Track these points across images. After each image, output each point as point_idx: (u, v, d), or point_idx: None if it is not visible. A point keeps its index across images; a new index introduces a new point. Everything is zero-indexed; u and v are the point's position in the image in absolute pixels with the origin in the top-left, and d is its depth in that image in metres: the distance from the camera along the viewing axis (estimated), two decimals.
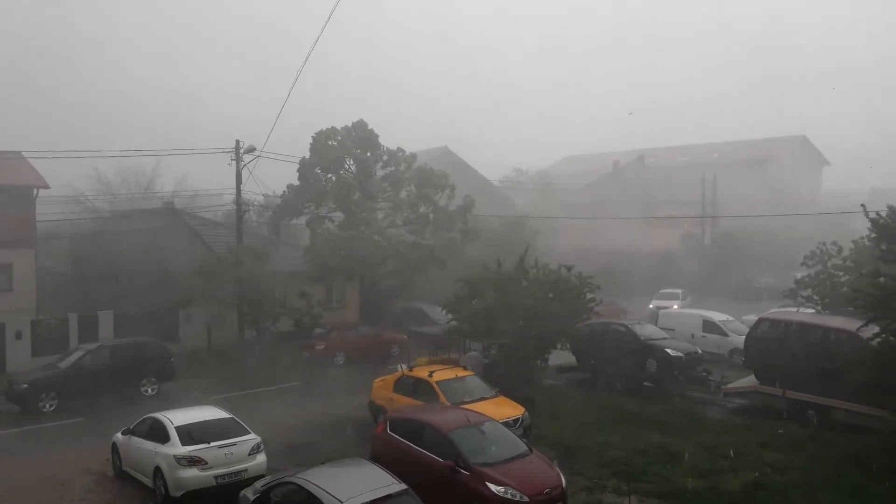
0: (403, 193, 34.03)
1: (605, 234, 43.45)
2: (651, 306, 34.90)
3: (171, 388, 22.94)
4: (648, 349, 23.01)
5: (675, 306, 33.50)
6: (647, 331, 24.39)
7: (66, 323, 27.44)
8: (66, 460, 16.45)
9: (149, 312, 29.02)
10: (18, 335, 26.36)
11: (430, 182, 33.67)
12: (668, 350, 22.85)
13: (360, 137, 34.17)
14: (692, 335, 27.07)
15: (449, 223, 33.30)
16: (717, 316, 28.28)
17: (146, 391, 22.79)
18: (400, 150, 34.70)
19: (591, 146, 73.89)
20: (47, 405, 21.13)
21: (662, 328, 26.29)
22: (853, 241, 23.62)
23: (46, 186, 33.10)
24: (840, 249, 24.08)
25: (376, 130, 34.66)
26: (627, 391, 22.03)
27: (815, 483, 14.24)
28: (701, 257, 47.28)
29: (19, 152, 34.10)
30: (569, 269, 22.37)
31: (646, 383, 22.73)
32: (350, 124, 34.17)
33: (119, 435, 15.71)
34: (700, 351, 24.13)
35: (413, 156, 34.75)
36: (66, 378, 21.69)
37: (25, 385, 21.20)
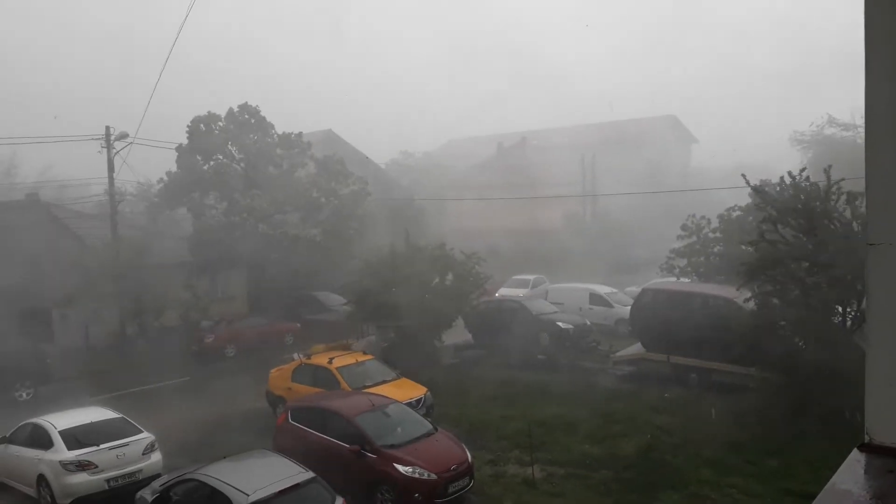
0: (300, 180, 32.98)
1: (492, 215, 44.23)
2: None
3: (50, 390, 21.44)
4: (540, 323, 23.77)
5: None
6: (538, 306, 25.19)
7: None
8: None
9: (17, 312, 26.89)
10: None
11: (331, 172, 32.97)
12: (559, 323, 23.71)
13: (248, 122, 32.88)
14: (580, 308, 28.16)
15: (342, 209, 32.79)
16: (602, 289, 29.56)
17: (20, 396, 21.27)
18: (294, 134, 33.61)
19: (473, 129, 74.66)
20: None
21: (552, 302, 27.19)
22: (721, 214, 25.12)
23: None
24: (709, 222, 25.51)
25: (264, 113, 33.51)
26: (523, 365, 22.65)
27: (701, 441, 15.22)
28: (583, 234, 49.15)
29: None
30: (441, 245, 22.77)
31: (540, 356, 23.46)
32: (236, 108, 32.84)
33: None
34: (589, 323, 25.17)
35: (308, 144, 33.81)
36: None
37: None
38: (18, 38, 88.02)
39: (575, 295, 29.33)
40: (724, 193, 25.09)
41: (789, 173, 16.62)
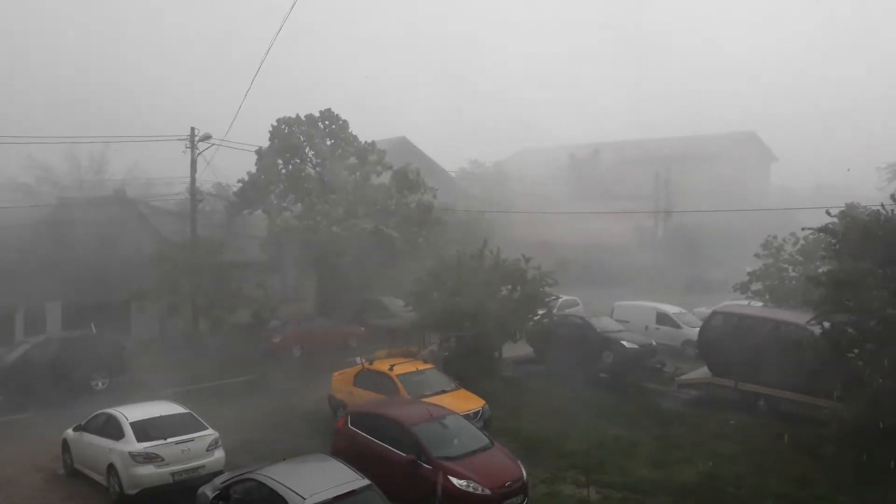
0: (374, 187, 33.46)
1: (561, 226, 43.84)
2: None
3: (124, 381, 22.37)
4: (605, 341, 23.43)
5: None
6: (603, 323, 24.81)
7: (12, 315, 26.48)
8: (12, 458, 15.88)
9: (99, 304, 28.22)
10: None
11: (406, 183, 33.39)
12: (624, 342, 23.28)
13: (329, 127, 33.55)
14: (646, 327, 27.59)
15: (412, 217, 33.11)
16: (670, 308, 28.88)
17: (97, 385, 22.17)
18: (369, 143, 34.19)
19: (546, 139, 74.12)
20: None
21: (618, 320, 26.73)
22: (802, 237, 24.19)
23: None
24: (797, 241, 24.46)
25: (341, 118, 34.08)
26: (584, 383, 22.31)
27: (766, 472, 14.70)
28: (654, 250, 48.13)
29: None
30: (527, 259, 22.58)
31: (602, 375, 23.10)
32: (318, 113, 33.55)
33: (70, 431, 15.28)
34: (654, 343, 24.62)
35: (383, 152, 34.31)
36: (11, 372, 20.98)
37: None
38: (110, 40, 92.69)
39: (641, 313, 28.74)
40: (804, 214, 24.15)
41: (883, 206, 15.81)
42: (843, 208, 17.78)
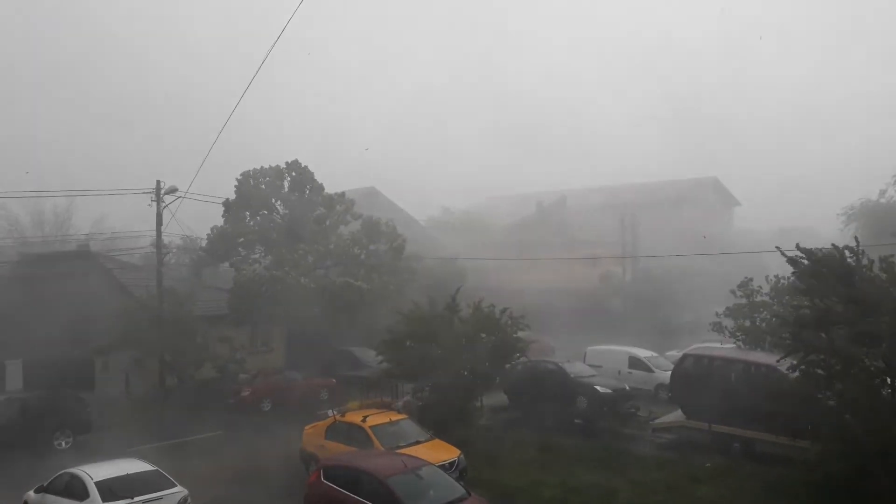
0: (342, 237, 33.47)
1: (530, 273, 44.11)
2: None
3: (88, 440, 21.69)
4: (578, 386, 23.39)
5: None
6: (576, 368, 24.84)
7: None
8: None
9: (61, 360, 27.49)
10: None
11: (376, 233, 33.50)
12: (597, 387, 23.27)
13: (295, 177, 33.69)
14: (619, 371, 27.67)
15: (381, 266, 33.12)
16: (642, 352, 29.04)
17: (60, 444, 21.45)
18: (338, 194, 34.34)
19: (513, 187, 75.05)
20: None
21: (590, 365, 26.78)
22: (771, 279, 24.50)
23: None
24: (777, 281, 24.58)
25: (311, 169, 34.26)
26: (559, 429, 22.16)
27: None
28: (623, 295, 48.60)
29: None
30: (503, 310, 22.59)
31: (577, 420, 23.00)
32: (284, 164, 33.69)
33: (31, 493, 14.77)
34: (628, 387, 24.66)
35: (352, 201, 34.49)
36: None
37: None
38: (72, 90, 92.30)
39: (614, 358, 28.84)
40: (767, 257, 24.57)
41: (833, 245, 16.23)
42: (804, 248, 18.08)
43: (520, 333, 22.80)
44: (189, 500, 14.03)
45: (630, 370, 28.09)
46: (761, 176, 74.52)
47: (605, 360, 28.41)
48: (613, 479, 17.08)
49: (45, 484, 14.59)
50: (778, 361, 16.92)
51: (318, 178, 34.36)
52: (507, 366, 23.34)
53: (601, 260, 46.30)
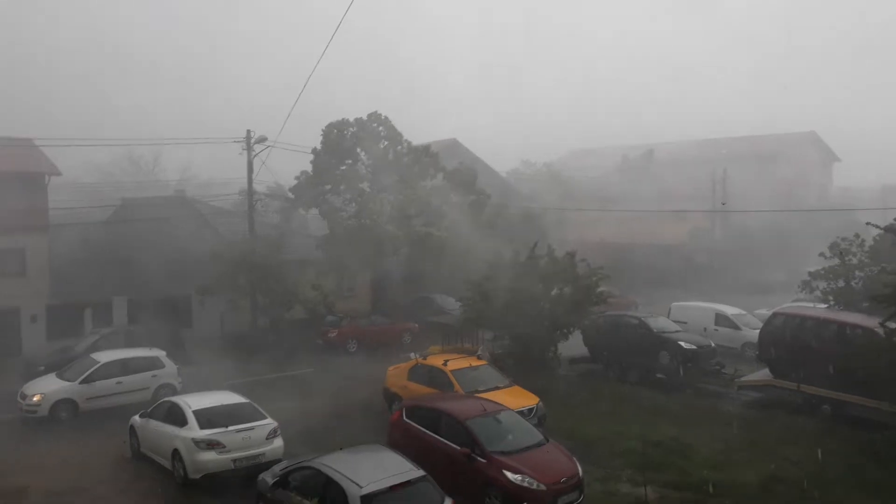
0: (425, 188, 33.70)
1: (615, 227, 43.33)
2: None
3: (187, 373, 22.99)
4: (661, 341, 23.03)
5: None
6: (660, 323, 24.41)
7: (82, 309, 27.52)
8: (84, 442, 16.60)
9: (162, 299, 29.12)
10: (33, 319, 26.53)
11: (459, 183, 33.58)
12: (681, 343, 22.86)
13: (376, 129, 33.93)
14: (704, 328, 27.06)
15: (463, 218, 33.26)
16: (729, 310, 28.26)
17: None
18: (423, 146, 34.41)
19: (599, 140, 73.23)
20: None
21: (675, 321, 26.29)
22: (874, 238, 23.33)
23: (58, 174, 33.09)
24: (863, 242, 23.63)
25: (393, 120, 34.41)
26: (640, 383, 22.04)
27: (832, 477, 14.23)
28: (711, 251, 47.16)
29: (30, 139, 34.13)
30: (572, 255, 22.49)
31: (659, 375, 22.75)
32: (365, 116, 33.99)
33: (137, 418, 15.85)
34: (713, 344, 24.10)
35: (436, 154, 34.54)
36: None
37: (43, 368, 21.32)
38: (169, 43, 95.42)
39: (700, 314, 28.19)
40: (868, 215, 23.26)
41: None
42: None
43: (601, 286, 22.63)
44: (278, 432, 14.73)
45: (716, 327, 27.43)
46: (864, 131, 70.01)
47: (690, 317, 27.82)
48: (696, 435, 16.89)
49: (148, 410, 15.65)
50: (881, 324, 16.12)
51: (402, 130, 34.56)
52: (587, 317, 23.27)
53: (690, 215, 44.88)
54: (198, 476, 13.73)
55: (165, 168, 49.16)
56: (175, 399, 15.25)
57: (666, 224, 44.36)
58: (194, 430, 14.02)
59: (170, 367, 20.64)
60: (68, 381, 19.17)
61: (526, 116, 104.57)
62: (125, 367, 19.95)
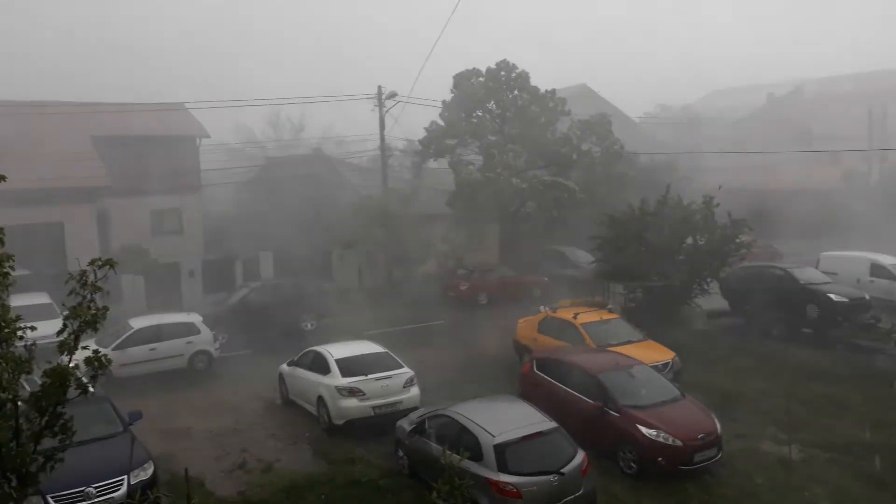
0: (554, 136, 33.15)
1: (758, 172, 40.84)
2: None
3: (328, 323, 24.26)
4: (809, 294, 21.71)
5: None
6: (807, 274, 22.95)
7: (232, 263, 29.59)
8: (238, 388, 17.95)
9: (304, 253, 30.73)
10: (191, 273, 28.75)
11: (589, 132, 32.85)
12: (831, 295, 21.45)
13: (506, 77, 33.53)
14: (858, 280, 25.12)
15: (594, 166, 32.50)
16: (887, 259, 25.97)
17: (306, 326, 24.09)
18: (549, 91, 33.71)
19: (740, 79, 68.86)
20: (219, 338, 22.89)
21: (824, 272, 24.61)
22: None
23: (208, 136, 35.45)
24: None
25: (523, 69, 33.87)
26: (785, 338, 20.88)
27: None
28: (867, 196, 43.44)
29: (182, 104, 36.57)
30: (710, 199, 21.47)
31: (806, 330, 21.51)
32: (494, 65, 33.68)
33: (284, 366, 16.88)
34: (867, 297, 22.40)
35: (563, 100, 33.78)
36: (233, 314, 23.41)
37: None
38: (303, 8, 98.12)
39: (852, 265, 26.11)
40: None
41: None
42: None
43: (741, 235, 21.54)
44: (414, 381, 15.28)
45: (872, 278, 25.35)
46: None
47: (841, 268, 25.86)
48: (847, 392, 15.98)
49: (295, 359, 16.65)
50: None
51: (533, 78, 33.95)
52: (727, 268, 22.28)
53: (842, 157, 41.42)
54: (341, 422, 14.50)
55: (308, 127, 51.30)
56: (318, 348, 16.06)
57: (816, 168, 41.29)
58: (337, 378, 14.74)
59: (205, 332, 19.90)
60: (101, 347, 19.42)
61: (662, 58, 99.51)
62: (159, 333, 19.19)
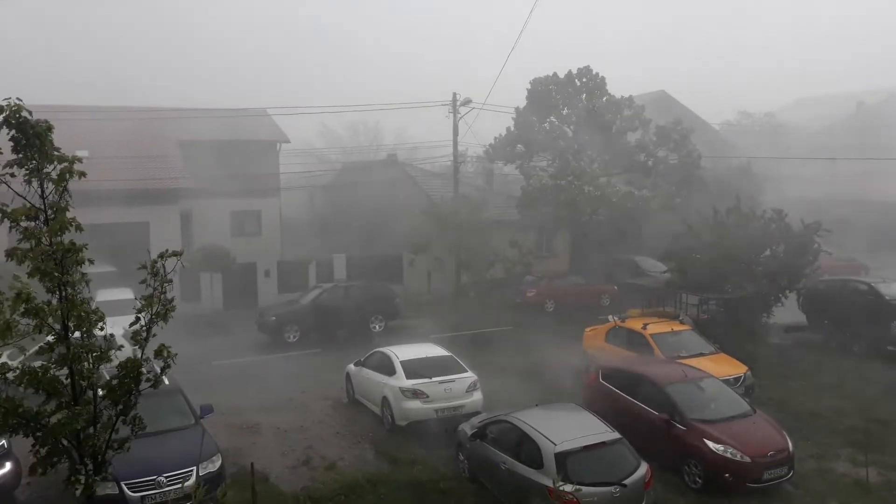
0: (629, 143, 32.66)
1: (845, 182, 39.11)
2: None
3: (396, 325, 24.57)
4: (894, 310, 20.64)
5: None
6: (893, 289, 21.84)
7: (307, 264, 30.37)
8: (308, 386, 18.35)
9: (376, 256, 31.24)
10: (267, 273, 29.68)
11: (666, 139, 32.27)
12: None
13: (586, 84, 33.21)
14: None
15: (671, 174, 31.80)
16: None
17: (374, 327, 24.51)
18: (626, 98, 33.23)
19: (826, 87, 65.97)
20: (291, 336, 23.55)
21: None
22: None
23: (287, 141, 36.56)
24: None
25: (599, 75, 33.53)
26: (867, 355, 19.93)
27: None
28: None
29: (264, 109, 37.81)
30: (780, 212, 20.77)
31: (890, 347, 20.46)
32: (575, 70, 33.39)
33: (352, 366, 17.19)
34: None
35: (641, 107, 33.25)
36: (306, 313, 24.00)
37: (274, 318, 23.81)
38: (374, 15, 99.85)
39: None
40: None
41: None
42: None
43: (817, 244, 20.77)
44: (478, 385, 15.31)
45: None
46: None
47: None
48: None
49: (362, 359, 16.93)
50: None
51: (610, 85, 33.58)
52: (805, 281, 21.48)
53: None
54: (404, 423, 14.68)
55: (383, 132, 52.25)
56: (385, 349, 16.30)
57: None
58: (402, 380, 14.93)
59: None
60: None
61: (747, 64, 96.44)
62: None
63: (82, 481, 7.19)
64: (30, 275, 6.98)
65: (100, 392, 7.48)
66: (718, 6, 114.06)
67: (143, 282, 7.51)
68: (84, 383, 7.28)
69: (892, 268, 28.25)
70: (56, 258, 7.05)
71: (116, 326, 8.29)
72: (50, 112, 8.95)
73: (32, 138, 7.08)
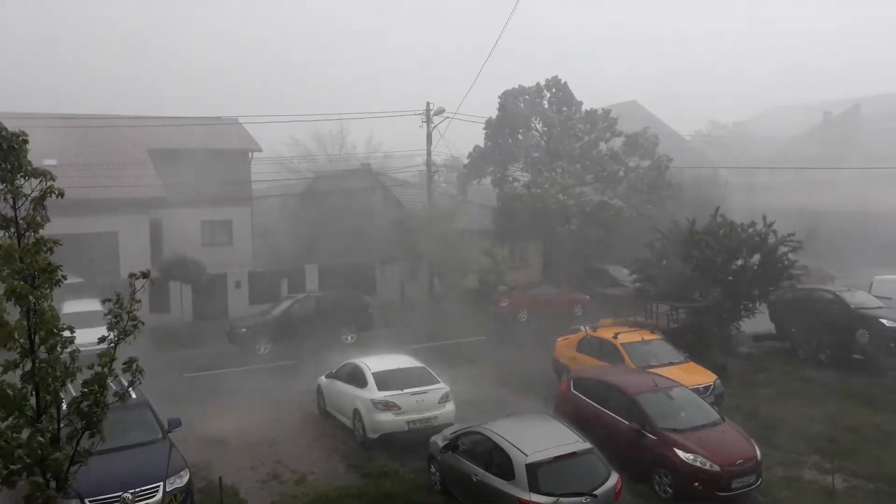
0: (601, 153, 32.95)
1: (812, 191, 39.83)
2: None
3: (369, 336, 24.45)
4: (860, 318, 21.03)
5: None
6: (858, 298, 22.26)
7: (278, 275, 30.10)
8: (279, 398, 18.12)
9: (348, 266, 31.06)
10: (238, 284, 29.37)
11: (636, 149, 32.60)
12: (884, 320, 20.74)
13: (556, 94, 33.52)
14: None
15: (641, 184, 32.15)
16: None
17: (346, 339, 24.35)
18: (604, 110, 33.54)
19: (794, 98, 67.30)
20: (262, 348, 23.30)
21: (877, 296, 23.79)
22: None
23: (259, 150, 36.27)
24: None
25: (571, 85, 33.85)
26: (834, 364, 20.29)
27: None
28: None
29: (236, 118, 37.51)
30: (769, 224, 21.04)
31: (856, 356, 20.82)
32: (543, 81, 33.67)
33: (323, 378, 17.03)
34: None
35: (614, 119, 33.60)
36: (277, 324, 23.82)
37: (244, 329, 23.57)
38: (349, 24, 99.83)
39: None
40: None
41: None
42: None
43: (790, 256, 21.05)
44: (450, 397, 15.25)
45: None
46: None
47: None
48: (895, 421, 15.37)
49: (333, 371, 16.78)
50: None
51: (580, 95, 33.91)
52: (773, 290, 21.78)
53: None
54: (375, 436, 14.56)
55: (355, 143, 52.07)
56: (357, 361, 16.16)
57: (875, 189, 40.03)
58: (373, 392, 14.80)
59: None
60: None
61: (713, 74, 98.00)
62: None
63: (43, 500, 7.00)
64: (6, 296, 6.78)
65: (63, 408, 7.29)
66: (692, 20, 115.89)
67: (109, 313, 7.34)
68: (49, 398, 7.10)
69: (858, 276, 28.79)
70: (29, 279, 6.85)
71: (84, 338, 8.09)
72: (14, 119, 8.75)
73: (7, 152, 6.86)
